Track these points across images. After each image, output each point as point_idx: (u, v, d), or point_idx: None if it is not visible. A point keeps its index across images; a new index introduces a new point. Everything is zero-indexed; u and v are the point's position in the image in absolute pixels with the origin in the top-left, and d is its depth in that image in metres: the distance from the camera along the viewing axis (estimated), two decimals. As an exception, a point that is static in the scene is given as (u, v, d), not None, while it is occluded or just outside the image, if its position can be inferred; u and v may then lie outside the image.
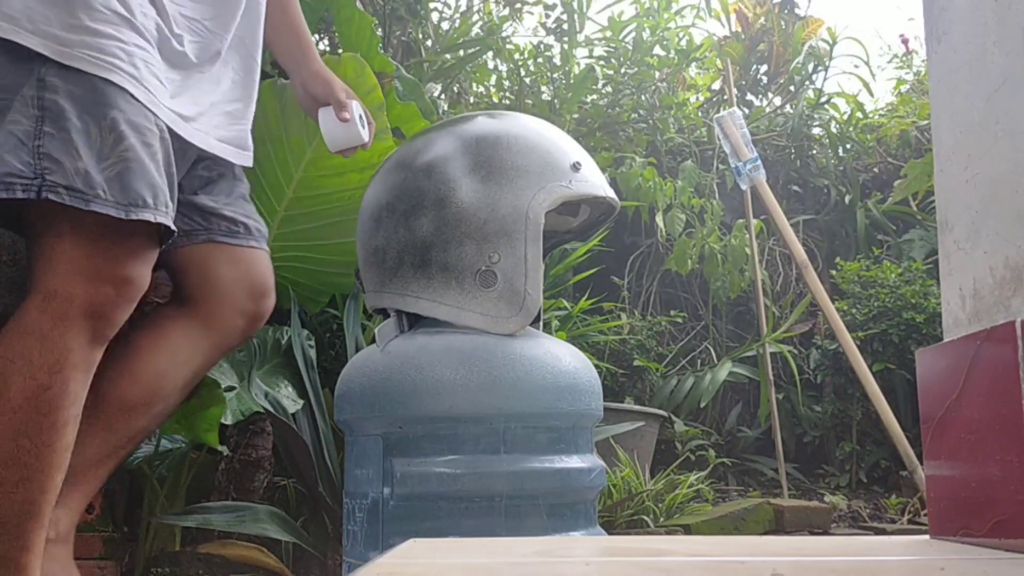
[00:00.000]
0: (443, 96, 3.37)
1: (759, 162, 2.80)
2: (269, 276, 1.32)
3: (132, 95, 1.07)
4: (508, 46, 3.81)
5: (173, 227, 1.09)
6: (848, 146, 4.09)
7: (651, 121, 3.72)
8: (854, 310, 3.27)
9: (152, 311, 1.31)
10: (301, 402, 1.68)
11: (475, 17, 3.75)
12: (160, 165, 1.08)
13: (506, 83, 3.89)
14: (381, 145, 1.59)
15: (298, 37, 1.46)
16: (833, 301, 3.03)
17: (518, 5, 3.71)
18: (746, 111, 3.98)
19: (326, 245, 1.81)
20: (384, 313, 1.20)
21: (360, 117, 1.35)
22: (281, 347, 1.86)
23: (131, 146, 1.05)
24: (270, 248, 1.77)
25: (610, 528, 2.20)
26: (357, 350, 1.77)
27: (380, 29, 2.86)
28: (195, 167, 1.26)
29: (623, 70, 3.77)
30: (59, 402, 1.05)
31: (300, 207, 1.75)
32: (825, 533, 2.44)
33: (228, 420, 1.56)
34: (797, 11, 4.15)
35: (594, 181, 1.19)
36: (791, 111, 4.02)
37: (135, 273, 1.08)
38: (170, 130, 1.12)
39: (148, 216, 1.05)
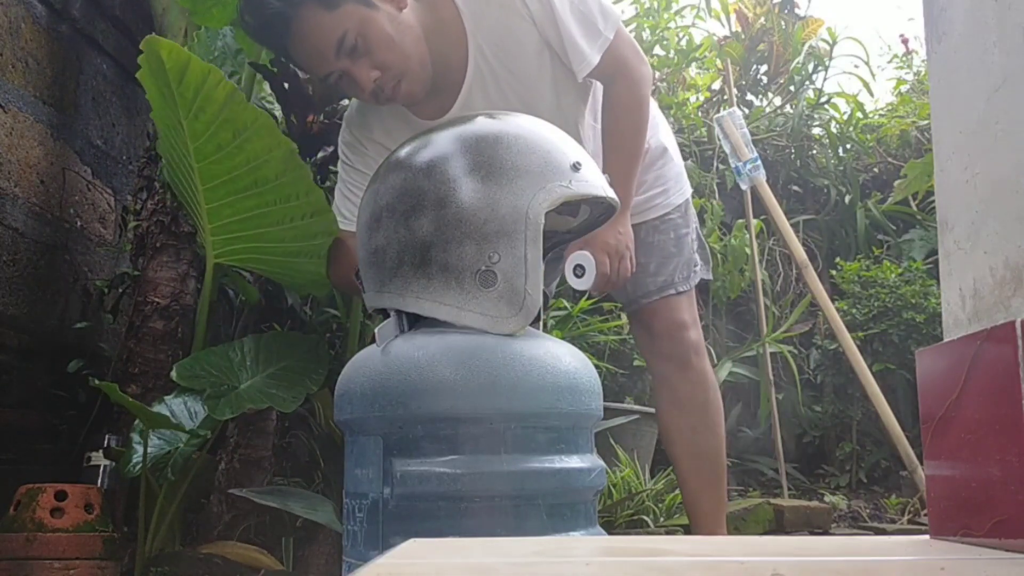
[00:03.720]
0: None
1: (759, 162, 2.80)
2: None
3: None
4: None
5: None
6: (848, 146, 4.09)
7: (651, 121, 3.71)
8: (854, 310, 3.27)
9: None
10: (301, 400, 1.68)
11: (475, 17, 3.74)
12: None
13: (506, 83, 3.88)
14: (237, 110, 1.55)
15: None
16: (833, 301, 3.03)
17: (518, 5, 3.70)
18: (746, 111, 3.98)
19: (275, 232, 1.73)
20: (384, 313, 1.20)
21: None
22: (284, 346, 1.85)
23: None
24: (218, 244, 1.74)
25: (610, 528, 2.20)
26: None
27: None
28: None
29: (623, 70, 3.76)
30: None
31: (217, 198, 1.69)
32: (825, 533, 2.44)
33: (223, 416, 1.57)
34: (797, 11, 4.14)
35: (594, 181, 1.19)
36: (791, 111, 4.02)
37: None
38: None
39: None
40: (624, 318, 3.49)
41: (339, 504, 1.53)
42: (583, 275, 1.49)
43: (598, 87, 1.67)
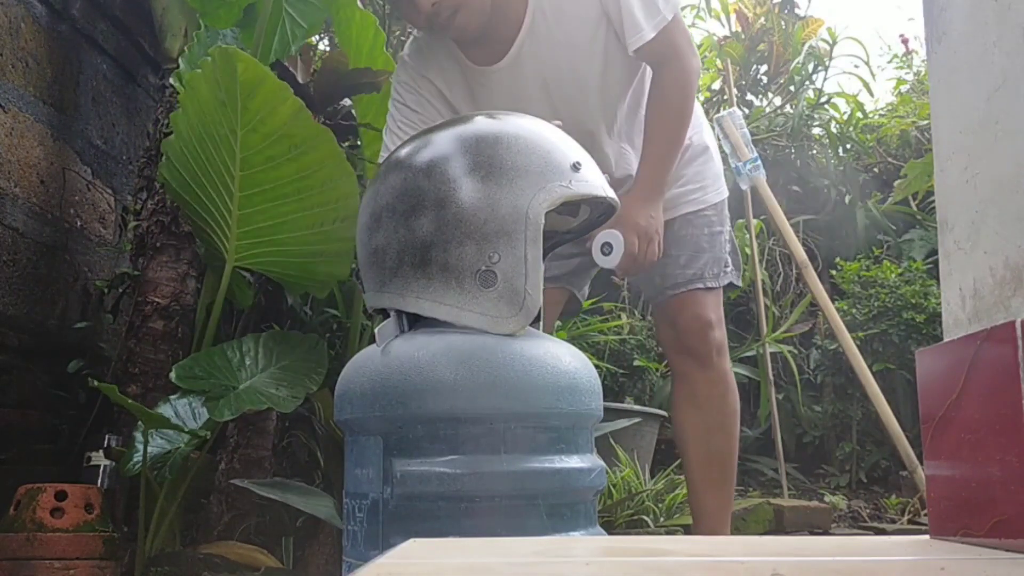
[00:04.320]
0: (443, 96, 3.36)
1: (759, 162, 2.80)
2: None
3: None
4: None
5: None
6: (848, 146, 4.09)
7: (651, 121, 3.71)
8: (854, 310, 3.27)
9: None
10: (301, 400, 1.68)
11: (475, 17, 3.74)
12: None
13: (506, 83, 3.88)
14: (301, 126, 1.62)
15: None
16: (833, 301, 3.03)
17: (518, 5, 3.70)
18: (746, 111, 3.98)
19: (302, 236, 1.79)
20: (384, 313, 1.20)
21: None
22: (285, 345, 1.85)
23: None
24: (241, 248, 1.77)
25: (610, 528, 2.20)
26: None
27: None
28: None
29: (623, 70, 3.76)
30: None
31: (252, 204, 1.74)
32: (825, 533, 2.44)
33: (223, 417, 1.57)
34: (797, 11, 4.15)
35: (594, 181, 1.19)
36: (791, 111, 4.02)
37: None
38: None
39: None
40: (624, 318, 3.49)
41: (340, 503, 1.53)
42: (610, 253, 1.48)
43: (645, 79, 1.68)
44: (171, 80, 2.00)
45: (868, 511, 2.88)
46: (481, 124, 1.21)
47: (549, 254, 1.35)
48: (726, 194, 1.85)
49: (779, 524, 2.43)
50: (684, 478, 1.89)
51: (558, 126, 1.28)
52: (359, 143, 2.17)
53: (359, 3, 2.10)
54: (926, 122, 3.81)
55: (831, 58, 4.11)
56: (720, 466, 1.75)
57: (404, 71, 1.70)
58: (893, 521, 2.75)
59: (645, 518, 2.30)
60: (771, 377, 3.02)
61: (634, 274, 1.62)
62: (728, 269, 1.79)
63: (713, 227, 1.78)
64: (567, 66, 1.59)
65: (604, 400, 1.22)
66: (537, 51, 1.59)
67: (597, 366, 2.35)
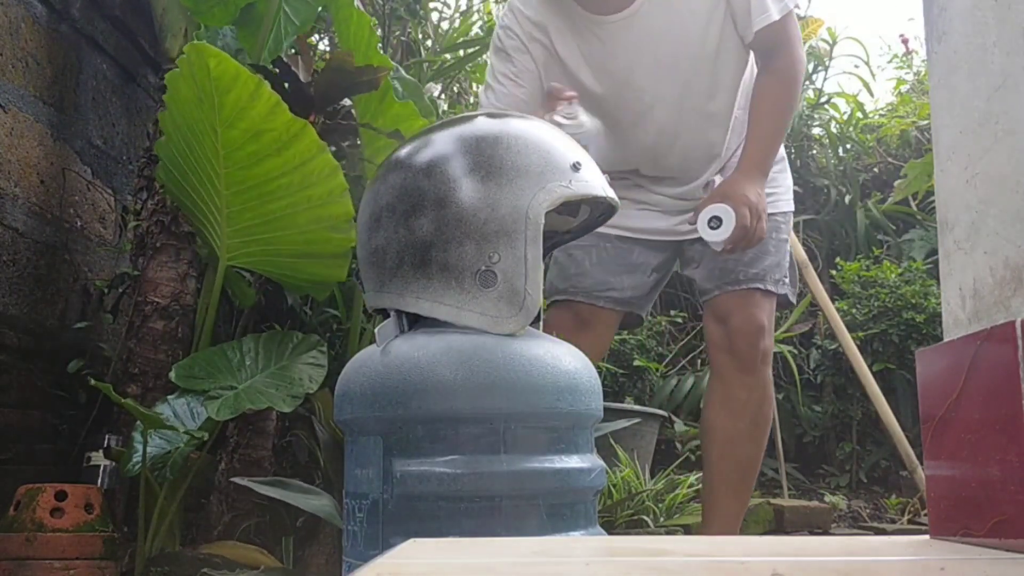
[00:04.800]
0: (443, 96, 3.37)
1: (759, 162, 2.79)
2: None
3: None
4: (508, 46, 3.79)
5: None
6: (848, 146, 4.09)
7: (651, 121, 3.71)
8: (854, 310, 3.27)
9: None
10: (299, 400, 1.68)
11: (475, 17, 3.75)
12: None
13: (506, 83, 3.87)
14: (280, 120, 1.61)
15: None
16: (833, 301, 3.03)
17: (518, 5, 3.69)
18: (746, 111, 3.97)
19: (292, 235, 1.79)
20: (384, 313, 1.20)
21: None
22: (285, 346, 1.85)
23: None
24: (233, 247, 1.77)
25: (610, 528, 2.20)
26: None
27: (380, 29, 2.86)
28: None
29: (623, 70, 3.76)
30: None
31: (239, 202, 1.74)
32: (825, 533, 2.44)
33: (221, 416, 1.57)
34: (797, 11, 4.14)
35: (594, 181, 1.19)
36: (791, 111, 4.01)
37: None
38: None
39: None
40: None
41: (340, 503, 1.53)
42: (719, 227, 1.47)
43: (748, 80, 1.70)
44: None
45: (868, 511, 2.88)
46: (481, 124, 1.21)
47: (548, 254, 1.35)
48: (792, 208, 1.87)
49: (779, 524, 2.43)
50: (701, 476, 1.87)
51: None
52: (359, 143, 2.17)
53: (360, 4, 2.10)
54: (926, 122, 3.81)
55: (831, 58, 4.11)
56: (742, 473, 1.73)
57: (510, 15, 1.68)
58: (893, 521, 2.75)
59: (645, 518, 2.30)
60: (771, 377, 3.02)
61: (742, 248, 1.59)
62: (787, 280, 1.78)
63: (780, 233, 1.79)
64: (681, 32, 1.60)
65: (604, 400, 1.22)
66: (655, 11, 1.58)
67: (597, 366, 2.35)
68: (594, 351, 1.73)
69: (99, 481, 1.88)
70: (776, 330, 3.25)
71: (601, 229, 1.71)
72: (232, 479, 1.78)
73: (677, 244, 1.81)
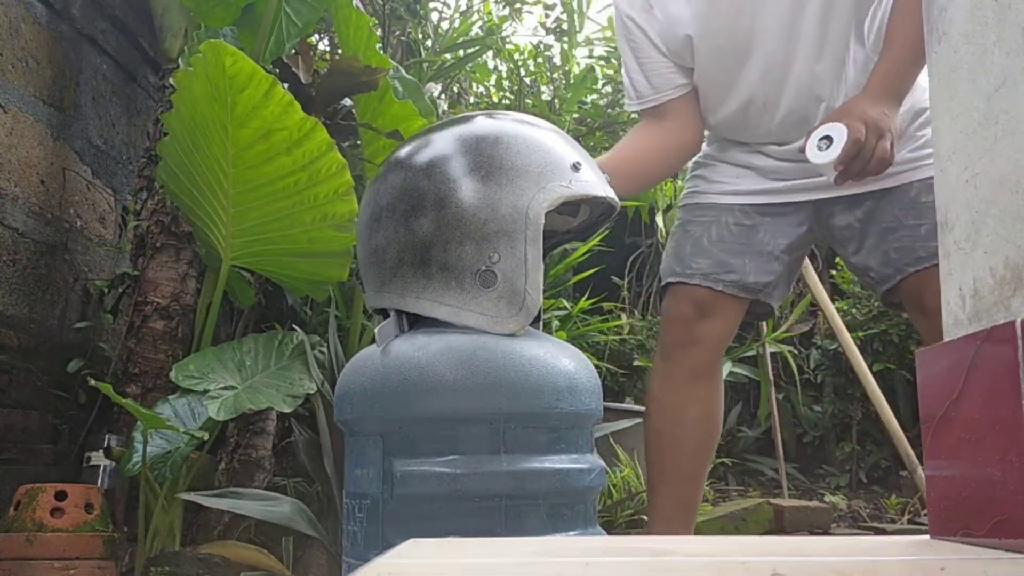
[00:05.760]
0: (443, 96, 3.37)
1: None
2: None
3: None
4: (508, 46, 3.81)
5: None
6: (848, 146, 4.07)
7: (651, 121, 3.71)
8: (854, 310, 3.27)
9: None
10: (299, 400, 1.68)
11: (475, 17, 3.75)
12: None
13: (506, 83, 3.88)
14: (292, 119, 1.62)
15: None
16: (833, 301, 3.03)
17: (518, 5, 3.71)
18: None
19: (296, 234, 1.79)
20: (384, 313, 1.20)
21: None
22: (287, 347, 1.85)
23: None
24: (237, 246, 1.77)
25: (610, 528, 2.20)
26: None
27: (380, 29, 2.86)
28: None
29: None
30: None
31: (245, 201, 1.74)
32: (825, 533, 2.44)
33: (222, 416, 1.57)
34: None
35: (594, 181, 1.19)
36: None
37: None
38: None
39: None
40: (624, 318, 3.48)
41: (340, 503, 1.53)
42: (828, 147, 1.29)
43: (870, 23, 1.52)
44: (171, 80, 2.00)
45: (868, 511, 2.88)
46: (481, 124, 1.21)
47: (548, 254, 1.35)
48: None
49: (779, 524, 2.43)
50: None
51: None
52: (359, 143, 2.17)
53: (360, 4, 2.10)
54: (926, 122, 3.80)
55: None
56: None
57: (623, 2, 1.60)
58: (893, 521, 2.75)
59: (645, 518, 2.30)
60: (771, 377, 3.02)
61: (855, 170, 1.34)
62: None
63: None
64: None
65: (604, 400, 1.22)
66: None
67: (597, 366, 2.35)
68: (716, 341, 1.61)
69: (99, 481, 1.88)
70: (775, 330, 3.25)
71: (721, 200, 1.61)
72: (177, 495, 1.73)
73: (809, 219, 1.61)
